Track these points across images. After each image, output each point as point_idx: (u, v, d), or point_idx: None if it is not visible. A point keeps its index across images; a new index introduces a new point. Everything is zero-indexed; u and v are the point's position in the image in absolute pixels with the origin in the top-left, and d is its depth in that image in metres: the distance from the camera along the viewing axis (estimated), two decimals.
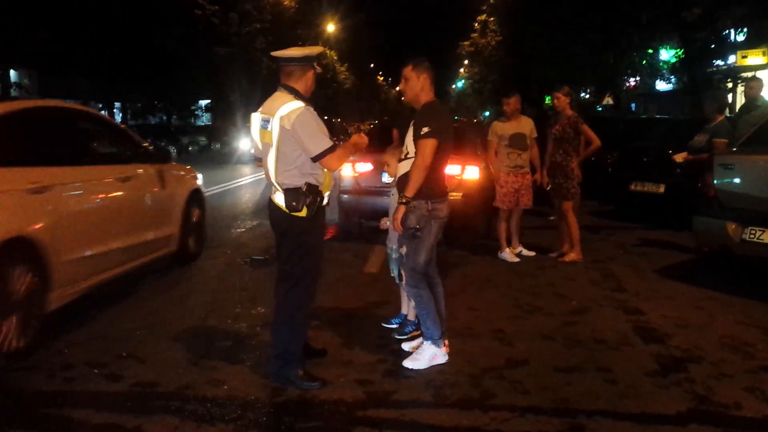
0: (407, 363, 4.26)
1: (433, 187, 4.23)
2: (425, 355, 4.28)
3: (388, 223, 4.87)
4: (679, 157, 7.26)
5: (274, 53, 4.12)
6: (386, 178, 7.76)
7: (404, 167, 4.31)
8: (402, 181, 4.30)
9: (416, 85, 4.32)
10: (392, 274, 4.99)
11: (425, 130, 4.11)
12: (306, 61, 4.02)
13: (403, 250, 4.30)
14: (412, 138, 4.25)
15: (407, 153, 4.31)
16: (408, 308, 4.91)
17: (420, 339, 4.46)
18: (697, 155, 6.98)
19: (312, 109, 3.94)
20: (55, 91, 32.32)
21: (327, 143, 3.86)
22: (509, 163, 7.42)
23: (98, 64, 26.35)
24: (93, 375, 4.16)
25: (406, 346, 4.57)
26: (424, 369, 4.21)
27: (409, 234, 4.24)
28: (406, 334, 4.78)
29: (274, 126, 3.88)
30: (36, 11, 21.32)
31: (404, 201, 4.15)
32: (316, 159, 3.86)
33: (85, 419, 3.57)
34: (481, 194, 8.06)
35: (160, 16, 27.04)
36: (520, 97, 7.79)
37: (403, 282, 4.51)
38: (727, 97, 9.07)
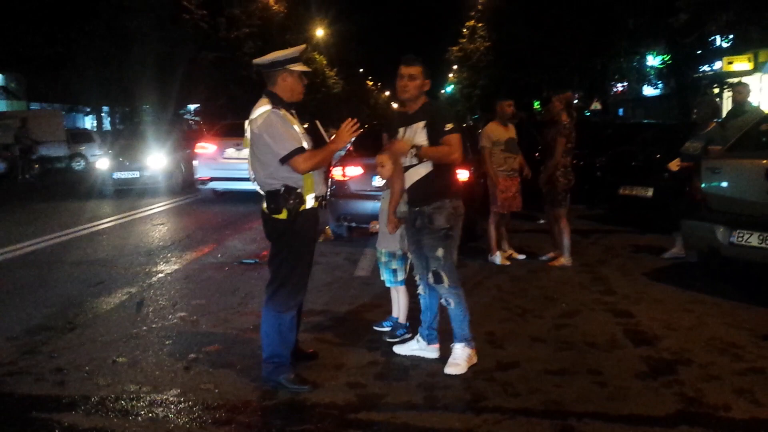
0: (449, 370, 4.21)
1: (452, 185, 4.33)
2: (463, 357, 4.27)
3: (377, 226, 4.86)
4: (674, 165, 7.24)
5: (254, 61, 4.11)
6: (376, 182, 7.77)
7: (416, 174, 4.28)
8: (416, 189, 4.29)
9: (421, 86, 4.30)
10: (382, 278, 4.97)
11: (449, 126, 4.18)
12: (274, 66, 3.97)
13: (440, 252, 4.23)
14: (425, 139, 4.22)
15: (416, 159, 4.26)
16: (400, 311, 4.91)
17: (414, 342, 4.52)
18: (692, 162, 7.00)
19: (280, 111, 3.91)
20: (44, 95, 32.14)
21: (292, 145, 3.83)
22: (507, 167, 7.46)
23: (87, 69, 26.23)
24: (83, 379, 4.14)
25: (397, 349, 4.57)
26: (461, 373, 4.19)
27: (441, 235, 4.23)
28: (398, 336, 4.78)
29: (247, 131, 3.94)
30: (25, 15, 21.20)
31: (416, 153, 4.20)
32: (283, 161, 3.84)
33: (75, 423, 3.55)
34: (471, 198, 8.09)
35: (148, 21, 26.95)
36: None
37: (445, 285, 4.32)
38: (718, 103, 9.02)
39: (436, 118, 4.24)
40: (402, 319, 4.88)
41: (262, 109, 3.90)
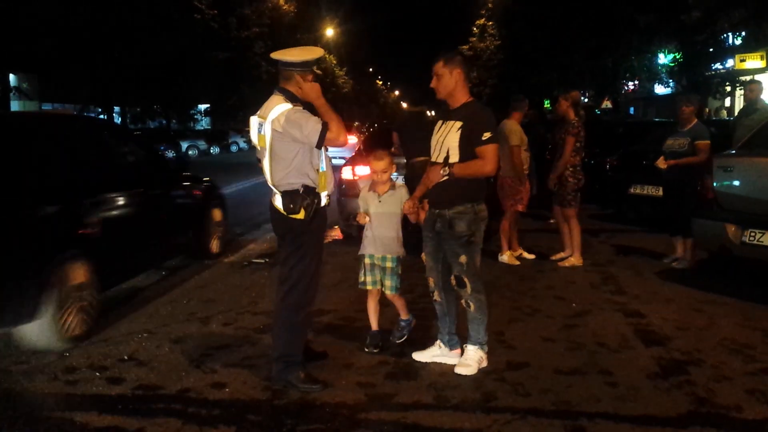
0: (459, 369, 4.20)
1: (477, 189, 4.21)
2: (474, 359, 4.25)
3: (367, 218, 4.57)
4: (662, 163, 7.22)
5: (274, 54, 4.11)
6: None
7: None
8: (439, 192, 4.18)
9: (450, 82, 4.17)
10: (363, 286, 4.68)
11: (487, 135, 4.02)
12: (304, 66, 3.99)
13: (462, 259, 4.17)
14: (457, 141, 4.08)
15: (446, 159, 4.13)
16: (401, 308, 4.74)
17: (435, 348, 4.45)
18: (678, 159, 6.99)
19: (301, 109, 3.91)
20: (55, 95, 32.38)
21: (319, 126, 3.83)
22: (528, 167, 7.47)
23: (98, 69, 26.37)
24: (95, 378, 4.17)
25: (418, 356, 4.45)
26: (471, 374, 4.17)
27: (463, 242, 4.16)
28: (405, 329, 4.74)
29: (267, 129, 3.90)
30: (37, 16, 21.35)
31: (446, 174, 4.08)
32: (320, 145, 3.85)
33: (88, 422, 3.58)
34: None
35: (159, 21, 27.08)
36: None
37: (467, 290, 4.24)
38: (701, 102, 8.80)
39: (473, 124, 4.08)
40: (404, 315, 4.76)
41: (282, 107, 3.87)
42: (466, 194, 4.16)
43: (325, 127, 3.84)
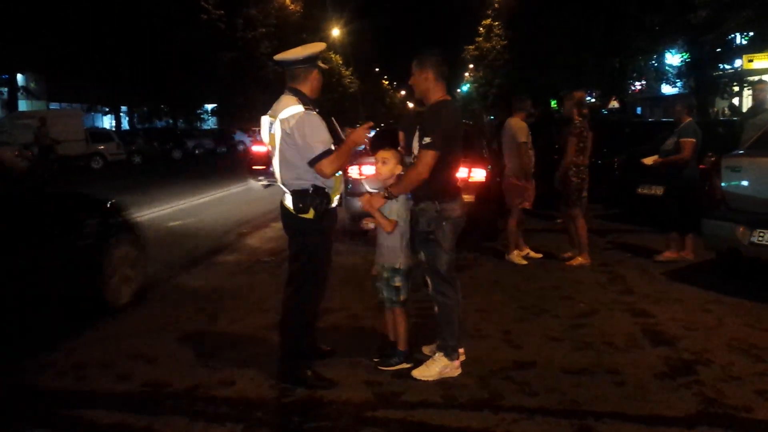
0: (416, 373, 4.12)
1: (443, 187, 4.06)
2: (436, 366, 4.14)
3: (371, 224, 4.36)
4: (649, 160, 7.28)
5: (277, 57, 4.10)
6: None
7: None
8: (413, 189, 4.15)
9: (422, 83, 4.14)
10: (380, 296, 4.35)
11: (427, 140, 3.92)
12: (307, 62, 3.98)
13: (422, 256, 4.10)
14: (418, 143, 4.06)
15: (414, 157, 4.13)
16: (399, 336, 4.37)
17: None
18: (666, 158, 7.05)
19: (313, 112, 3.90)
20: (63, 95, 32.54)
21: (320, 149, 3.80)
22: (533, 165, 7.46)
23: (105, 69, 26.46)
24: (103, 375, 4.19)
25: (426, 350, 4.40)
26: (426, 379, 4.06)
27: (423, 239, 4.10)
28: (392, 365, 4.31)
29: (277, 129, 3.89)
30: (44, 16, 21.43)
31: (386, 195, 4.03)
32: (310, 164, 3.83)
33: (96, 418, 3.59)
34: (488, 196, 8.07)
35: (166, 21, 27.15)
36: None
37: (429, 289, 4.18)
38: (694, 100, 8.86)
39: (423, 127, 4.01)
40: (402, 345, 4.33)
41: (294, 109, 3.84)
42: (427, 192, 4.02)
43: (324, 154, 3.80)
